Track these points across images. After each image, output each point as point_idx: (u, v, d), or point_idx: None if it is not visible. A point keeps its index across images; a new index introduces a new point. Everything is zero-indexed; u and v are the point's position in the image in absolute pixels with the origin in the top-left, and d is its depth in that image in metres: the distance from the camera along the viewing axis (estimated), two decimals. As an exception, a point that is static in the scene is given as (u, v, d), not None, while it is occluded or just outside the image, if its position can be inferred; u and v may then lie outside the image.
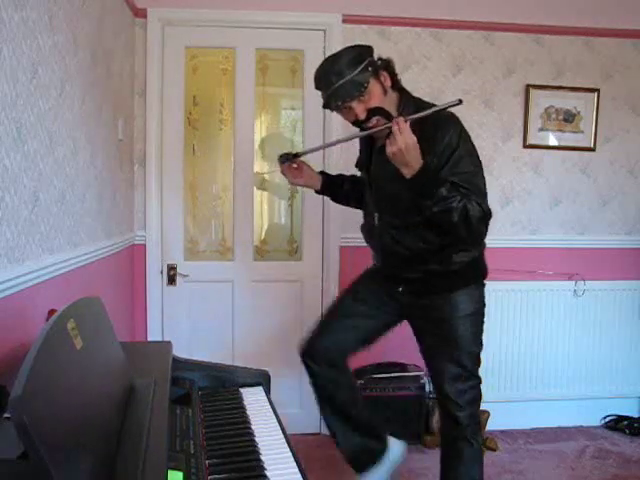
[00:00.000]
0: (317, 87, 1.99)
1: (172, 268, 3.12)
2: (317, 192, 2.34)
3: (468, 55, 3.19)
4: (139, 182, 3.07)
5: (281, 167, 2.23)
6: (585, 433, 3.30)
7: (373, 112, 1.91)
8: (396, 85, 2.03)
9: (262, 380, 1.70)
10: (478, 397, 2.11)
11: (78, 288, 2.02)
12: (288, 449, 1.28)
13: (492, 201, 3.23)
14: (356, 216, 2.33)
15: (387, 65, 1.98)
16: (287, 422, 1.49)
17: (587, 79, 3.26)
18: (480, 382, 2.11)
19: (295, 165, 2.22)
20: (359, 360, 3.19)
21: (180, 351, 1.71)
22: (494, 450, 3.07)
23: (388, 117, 1.92)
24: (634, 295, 3.35)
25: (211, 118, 3.16)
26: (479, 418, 2.14)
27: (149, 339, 3.07)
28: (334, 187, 2.32)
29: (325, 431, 3.11)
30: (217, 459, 1.19)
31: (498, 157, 3.26)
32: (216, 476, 1.12)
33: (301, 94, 3.16)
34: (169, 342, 1.70)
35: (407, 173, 1.82)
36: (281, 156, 2.24)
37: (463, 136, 1.95)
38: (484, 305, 2.10)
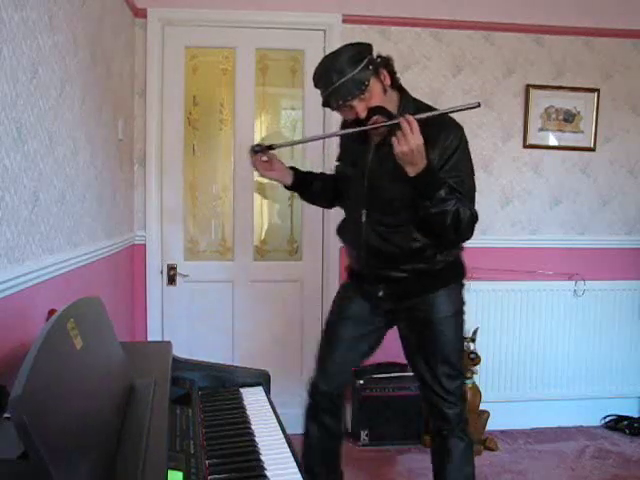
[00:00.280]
0: (316, 85, 1.96)
1: (172, 268, 3.12)
2: (286, 187, 2.26)
3: (468, 55, 3.19)
4: (139, 182, 3.07)
5: (252, 158, 2.14)
6: (585, 433, 3.31)
7: (374, 111, 1.90)
8: (395, 84, 2.02)
9: (262, 380, 1.70)
10: (464, 394, 2.15)
11: (78, 288, 2.02)
12: (288, 449, 1.28)
13: (492, 201, 3.28)
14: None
15: (387, 63, 1.97)
16: (287, 422, 1.49)
17: (587, 79, 3.26)
18: (465, 379, 2.14)
19: (265, 158, 2.13)
20: (359, 360, 3.20)
21: (180, 351, 1.71)
22: (494, 450, 3.07)
23: (389, 116, 1.91)
24: (634, 295, 3.35)
25: (211, 118, 3.16)
26: (467, 415, 2.14)
27: (149, 339, 3.07)
28: (305, 184, 2.26)
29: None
30: (217, 459, 1.19)
31: (498, 157, 3.27)
32: (216, 476, 1.12)
33: (301, 94, 3.16)
34: (169, 342, 1.69)
35: (411, 172, 1.82)
36: (254, 146, 2.15)
37: (463, 141, 1.95)
38: (464, 304, 2.12)
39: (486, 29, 3.18)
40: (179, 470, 1.03)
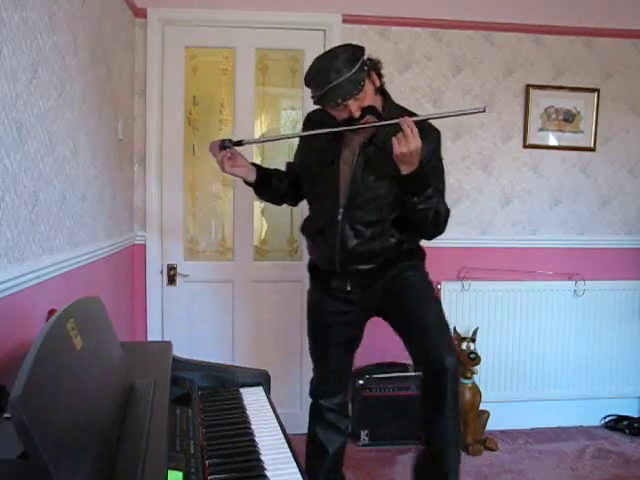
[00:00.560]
0: (310, 84, 1.97)
1: (172, 268, 3.12)
2: (247, 183, 2.23)
3: (468, 55, 3.19)
4: (139, 182, 3.07)
5: (218, 154, 2.08)
6: (585, 433, 3.31)
7: (367, 110, 1.96)
8: (380, 88, 2.06)
9: (262, 380, 1.70)
10: (453, 343, 2.27)
11: (78, 288, 2.02)
12: (288, 449, 1.28)
13: (492, 201, 3.28)
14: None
15: (376, 65, 2.02)
16: (287, 422, 1.49)
17: (587, 79, 3.26)
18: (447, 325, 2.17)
19: (229, 155, 2.09)
20: (359, 360, 3.20)
21: (180, 351, 1.71)
22: (494, 450, 3.07)
23: (378, 116, 1.99)
24: (634, 295, 3.35)
25: (211, 118, 3.16)
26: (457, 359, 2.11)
27: (149, 339, 3.07)
28: (267, 181, 2.24)
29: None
30: (217, 459, 1.19)
31: (498, 157, 3.27)
32: (216, 476, 1.12)
33: (301, 94, 3.16)
34: (169, 342, 1.69)
35: (405, 170, 1.89)
36: (224, 141, 2.08)
37: (439, 144, 2.08)
38: (428, 275, 2.19)
39: (486, 29, 3.18)
40: (179, 470, 1.03)
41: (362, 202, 2.06)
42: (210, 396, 1.57)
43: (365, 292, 2.16)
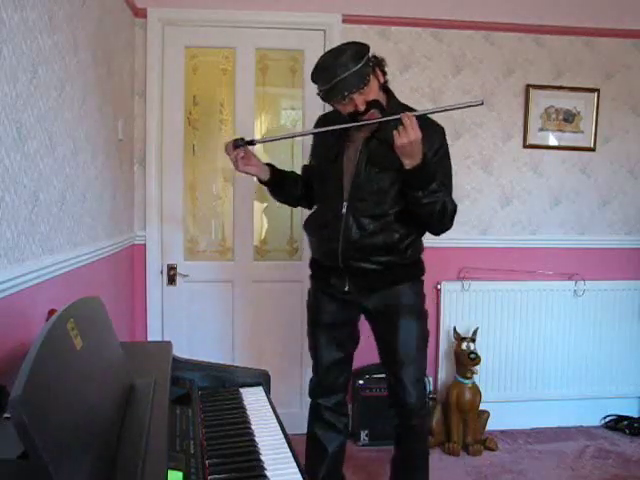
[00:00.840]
0: (317, 79, 2.02)
1: (172, 268, 3.12)
2: (261, 182, 2.30)
3: (468, 55, 3.19)
4: (139, 182, 3.07)
5: (232, 153, 2.15)
6: (585, 433, 3.31)
7: (372, 104, 2.01)
8: (384, 85, 2.12)
9: (262, 380, 1.70)
10: (424, 382, 2.29)
11: (78, 288, 2.02)
12: (288, 449, 1.28)
13: (492, 201, 3.28)
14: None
15: (380, 63, 2.09)
16: (287, 422, 1.49)
17: (587, 79, 3.26)
18: (425, 367, 2.30)
19: (242, 154, 2.16)
20: (359, 360, 3.20)
21: (180, 351, 1.71)
22: (494, 450, 3.07)
23: (382, 111, 2.04)
24: (634, 295, 3.35)
25: (211, 118, 3.16)
26: (425, 398, 2.30)
27: (149, 339, 3.07)
28: (280, 180, 2.31)
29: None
30: (217, 459, 1.19)
31: (498, 157, 3.27)
32: (216, 476, 1.12)
33: (301, 94, 3.16)
34: (169, 342, 1.69)
35: (408, 164, 1.92)
36: (236, 140, 2.14)
37: (445, 140, 2.11)
38: (425, 297, 2.25)
39: (486, 29, 3.18)
40: (179, 470, 1.03)
41: (365, 195, 2.10)
42: (210, 396, 1.57)
43: (362, 296, 2.19)
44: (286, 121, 3.28)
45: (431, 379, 3.19)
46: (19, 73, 1.54)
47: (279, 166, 2.36)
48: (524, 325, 3.29)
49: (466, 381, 3.03)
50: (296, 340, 3.21)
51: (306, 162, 2.49)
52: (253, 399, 1.57)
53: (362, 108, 2.00)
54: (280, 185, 2.33)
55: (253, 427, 1.38)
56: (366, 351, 3.14)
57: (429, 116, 2.09)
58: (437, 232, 2.17)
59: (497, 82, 3.22)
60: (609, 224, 3.38)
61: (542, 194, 3.32)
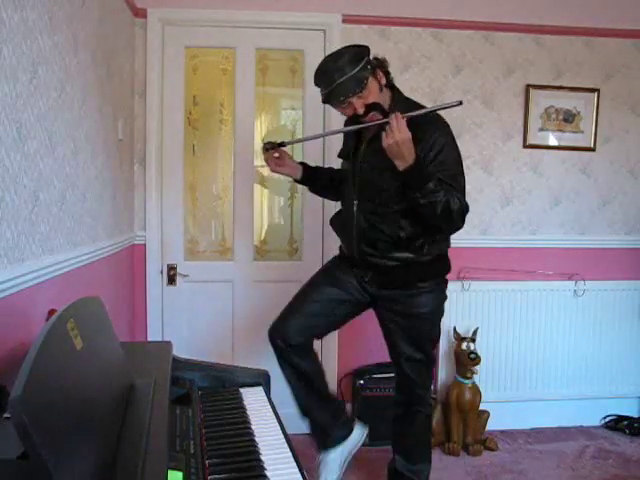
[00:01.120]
0: (317, 83, 2.09)
1: (172, 268, 3.12)
2: (296, 181, 2.45)
3: (468, 55, 3.19)
4: (139, 182, 3.07)
5: (265, 155, 2.32)
6: (585, 433, 3.31)
7: (371, 107, 2.04)
8: (388, 83, 2.15)
9: (262, 380, 1.70)
10: (432, 374, 2.38)
11: (78, 288, 2.02)
12: (288, 449, 1.29)
13: (492, 201, 3.28)
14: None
15: (382, 64, 2.12)
16: (287, 422, 1.49)
17: (587, 79, 3.26)
18: (434, 362, 2.39)
19: (277, 154, 2.30)
20: (359, 360, 3.20)
21: (180, 351, 1.71)
22: (494, 450, 3.07)
23: (383, 112, 2.06)
24: (634, 295, 3.35)
25: (211, 118, 3.16)
26: (431, 393, 2.39)
27: (149, 339, 3.07)
28: (314, 178, 2.44)
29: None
30: (217, 459, 1.19)
31: (498, 157, 3.27)
32: (216, 476, 1.12)
33: (301, 94, 3.16)
34: (169, 342, 1.69)
35: (400, 165, 1.95)
36: (266, 144, 2.31)
37: (449, 138, 2.09)
38: (445, 298, 2.29)
39: (486, 29, 3.18)
40: (179, 470, 1.03)
41: (370, 194, 2.16)
42: (210, 396, 1.57)
43: (379, 291, 2.23)
44: (286, 121, 3.28)
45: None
46: (19, 73, 1.54)
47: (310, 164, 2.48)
48: (524, 325, 3.29)
49: (466, 381, 3.03)
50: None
51: (307, 162, 2.55)
52: (253, 399, 1.58)
53: (361, 111, 2.03)
54: (314, 183, 2.44)
55: (253, 427, 1.38)
56: (366, 351, 3.15)
57: (437, 114, 2.08)
58: (448, 231, 2.17)
59: (497, 82, 3.22)
60: (609, 224, 3.38)
61: (542, 194, 3.31)
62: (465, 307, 3.22)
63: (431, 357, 2.31)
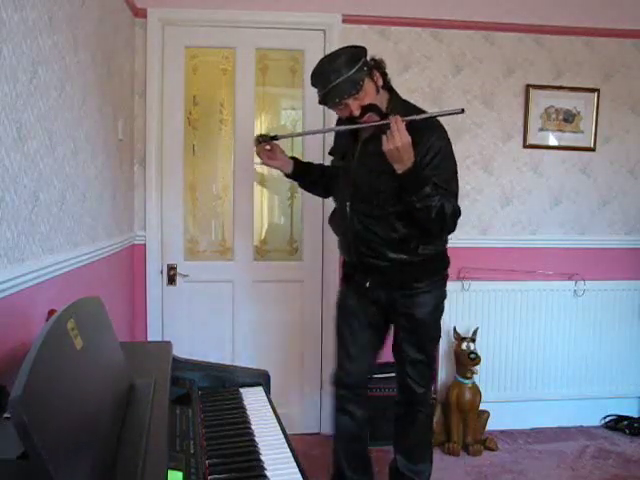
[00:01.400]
0: (314, 84, 2.09)
1: (172, 268, 3.12)
2: (286, 175, 2.45)
3: (468, 55, 3.19)
4: (139, 182, 3.07)
5: (257, 147, 2.34)
6: (585, 433, 3.31)
7: (367, 109, 2.04)
8: (386, 85, 2.14)
9: (262, 380, 1.70)
10: (433, 375, 2.43)
11: (78, 288, 2.02)
12: (288, 449, 1.29)
13: (492, 201, 3.28)
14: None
15: (379, 65, 2.11)
16: (287, 422, 1.49)
17: (587, 79, 3.26)
18: (435, 362, 2.44)
19: (268, 147, 2.32)
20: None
21: (180, 351, 1.71)
22: (494, 450, 3.07)
23: (380, 113, 2.06)
24: (634, 295, 3.35)
25: (211, 118, 3.16)
26: (431, 392, 2.39)
27: (149, 339, 3.07)
28: (304, 173, 2.45)
29: (325, 431, 3.12)
30: (217, 459, 1.19)
31: (498, 157, 3.27)
32: (216, 476, 1.12)
33: (301, 94, 3.16)
34: (169, 342, 1.70)
35: (399, 169, 1.96)
36: (259, 137, 2.33)
37: (445, 142, 2.10)
38: (444, 297, 2.30)
39: (486, 29, 3.18)
40: (179, 470, 1.03)
41: (364, 196, 2.16)
42: (210, 396, 1.57)
43: (381, 290, 2.23)
44: (286, 121, 3.28)
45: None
46: (19, 73, 1.54)
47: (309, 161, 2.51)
48: (524, 325, 3.29)
49: (466, 381, 3.03)
50: (296, 340, 3.22)
51: (306, 159, 2.59)
52: (253, 399, 1.58)
53: (357, 113, 2.04)
54: (304, 178, 2.44)
55: (253, 427, 1.38)
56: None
57: (433, 118, 2.08)
58: (439, 235, 2.19)
59: (497, 82, 3.22)
60: (609, 224, 3.38)
61: (542, 194, 3.31)
62: (465, 307, 3.22)
63: (432, 358, 2.33)
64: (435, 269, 2.24)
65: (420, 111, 2.08)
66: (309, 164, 2.49)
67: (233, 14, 3.03)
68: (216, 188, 3.22)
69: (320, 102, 2.12)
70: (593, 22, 3.22)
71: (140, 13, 2.98)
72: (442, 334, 3.19)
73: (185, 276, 3.12)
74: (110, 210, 2.53)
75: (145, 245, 3.09)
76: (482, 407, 3.10)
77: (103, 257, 2.38)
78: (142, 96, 3.03)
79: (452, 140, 3.26)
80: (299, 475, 1.17)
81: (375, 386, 3.05)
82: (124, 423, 1.10)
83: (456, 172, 2.13)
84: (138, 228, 3.08)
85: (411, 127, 1.95)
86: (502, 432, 3.25)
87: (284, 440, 1.33)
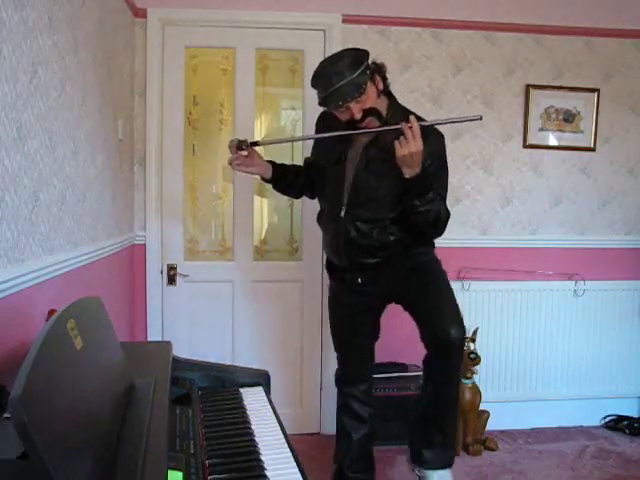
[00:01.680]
0: (315, 86, 2.07)
1: (172, 268, 3.12)
2: (264, 180, 2.40)
3: (468, 55, 3.19)
4: (139, 182, 3.07)
5: (234, 154, 2.23)
6: (585, 433, 3.31)
7: (368, 112, 2.04)
8: (386, 89, 2.14)
9: (262, 380, 1.70)
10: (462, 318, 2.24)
11: (78, 288, 2.02)
12: (288, 449, 1.28)
13: (492, 201, 3.28)
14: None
15: (380, 69, 2.10)
16: (287, 422, 1.49)
17: (587, 79, 3.26)
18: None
19: (245, 153, 2.24)
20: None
21: (180, 351, 1.71)
22: (494, 450, 3.07)
23: (380, 118, 2.07)
24: (634, 295, 3.35)
25: (211, 118, 3.16)
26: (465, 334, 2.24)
27: (149, 339, 3.07)
28: (281, 177, 2.40)
29: (325, 431, 3.12)
30: (217, 459, 1.19)
31: (498, 157, 3.27)
32: (216, 476, 1.12)
33: (301, 94, 3.16)
34: (169, 342, 1.69)
35: (408, 173, 1.97)
36: (239, 142, 2.21)
37: (443, 148, 2.13)
38: (439, 261, 2.29)
39: (486, 29, 3.18)
40: (179, 470, 1.03)
41: (363, 201, 2.15)
42: (210, 396, 1.57)
43: (377, 282, 2.25)
44: (286, 121, 3.28)
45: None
46: (19, 73, 1.54)
47: (279, 159, 2.45)
48: (524, 325, 3.29)
49: (466, 381, 3.03)
50: (296, 340, 3.22)
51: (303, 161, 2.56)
52: (253, 399, 1.57)
53: (358, 116, 2.03)
54: (281, 181, 2.40)
55: (253, 427, 1.38)
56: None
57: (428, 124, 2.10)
58: (431, 237, 2.24)
59: (497, 82, 3.22)
60: (609, 224, 3.38)
61: (542, 194, 3.31)
62: (465, 307, 3.19)
63: (448, 293, 2.21)
64: (422, 243, 2.25)
65: (418, 118, 2.05)
66: (284, 166, 2.42)
67: (233, 14, 3.03)
68: (216, 188, 3.22)
69: (320, 104, 2.11)
70: (593, 22, 3.22)
71: (140, 13, 2.98)
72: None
73: (185, 276, 3.12)
74: (110, 210, 2.53)
75: (145, 245, 3.09)
76: (482, 407, 3.10)
77: (103, 257, 2.38)
78: (142, 96, 3.03)
79: (452, 140, 3.28)
80: (299, 475, 1.17)
81: (375, 386, 3.04)
82: (124, 423, 1.10)
83: (447, 179, 2.19)
84: (138, 228, 3.08)
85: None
86: (502, 432, 3.25)
87: (284, 440, 1.33)
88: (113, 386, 1.17)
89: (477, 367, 3.04)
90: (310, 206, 3.15)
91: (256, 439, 1.31)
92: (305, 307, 3.22)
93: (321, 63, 2.07)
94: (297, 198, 2.65)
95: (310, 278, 3.21)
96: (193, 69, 3.11)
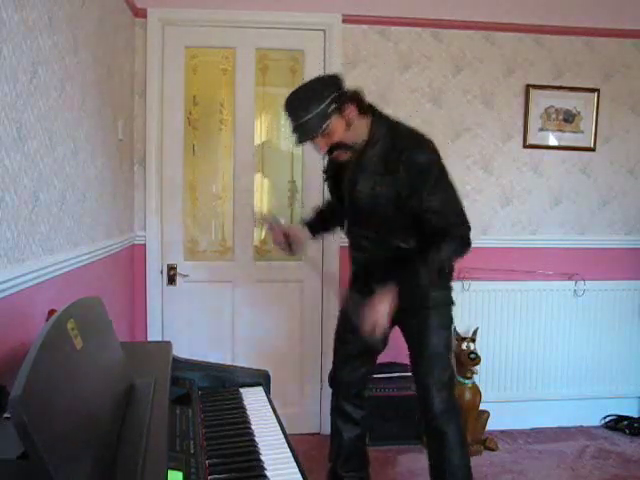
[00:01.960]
0: (286, 115, 2.05)
1: (172, 268, 3.12)
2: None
3: (468, 55, 3.19)
4: (139, 182, 3.07)
5: (274, 236, 2.34)
6: (585, 433, 3.31)
7: (335, 147, 2.04)
8: (366, 110, 2.08)
9: (262, 380, 1.70)
10: (452, 383, 2.29)
11: (78, 288, 2.02)
12: (288, 449, 1.28)
13: (492, 201, 3.28)
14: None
15: (353, 97, 2.03)
16: (287, 422, 1.49)
17: (587, 79, 3.26)
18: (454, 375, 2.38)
19: (291, 237, 2.31)
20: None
21: (180, 351, 1.71)
22: (494, 450, 3.07)
23: (349, 149, 2.05)
24: (634, 295, 3.35)
25: (211, 118, 3.16)
26: (456, 402, 2.27)
27: (149, 339, 3.07)
28: (319, 226, 2.44)
29: (325, 431, 3.12)
30: (217, 459, 1.19)
31: (498, 157, 3.27)
32: (216, 476, 1.12)
33: (301, 94, 3.16)
34: (169, 342, 1.70)
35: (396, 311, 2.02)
36: (270, 223, 2.37)
37: (434, 159, 2.04)
38: (452, 303, 2.25)
39: (486, 29, 3.18)
40: (179, 470, 1.03)
41: (360, 220, 2.19)
42: (210, 396, 1.57)
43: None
44: (286, 121, 3.27)
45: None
46: (19, 73, 1.54)
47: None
48: (524, 325, 3.29)
49: (466, 381, 3.03)
50: (296, 340, 3.22)
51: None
52: (253, 399, 1.58)
53: (324, 151, 2.04)
54: (321, 228, 2.45)
55: (253, 427, 1.38)
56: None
57: (416, 132, 2.06)
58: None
59: (497, 82, 3.22)
60: (609, 224, 3.38)
61: (542, 194, 3.31)
62: (465, 307, 3.22)
63: (450, 366, 2.26)
64: (439, 280, 2.21)
65: (407, 129, 2.06)
66: (317, 216, 2.45)
67: (233, 14, 3.03)
68: (216, 188, 3.21)
69: (292, 132, 2.07)
70: (593, 22, 3.22)
71: (140, 13, 2.98)
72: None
73: (185, 276, 3.12)
74: (110, 210, 2.53)
75: (145, 245, 3.09)
76: (482, 407, 3.10)
77: (103, 257, 2.38)
78: (142, 96, 3.02)
79: (452, 140, 3.27)
80: (299, 475, 1.17)
81: (375, 386, 3.05)
82: (124, 423, 1.10)
83: (452, 188, 2.08)
84: (138, 228, 3.08)
85: (400, 151, 1.98)
86: (502, 432, 3.25)
87: (284, 440, 1.33)
88: (113, 386, 1.17)
89: (477, 367, 3.05)
90: (310, 206, 3.15)
91: (256, 439, 1.31)
92: (305, 307, 3.22)
93: (292, 92, 2.03)
94: (342, 226, 2.51)
95: (310, 278, 3.20)
96: (193, 69, 3.11)
